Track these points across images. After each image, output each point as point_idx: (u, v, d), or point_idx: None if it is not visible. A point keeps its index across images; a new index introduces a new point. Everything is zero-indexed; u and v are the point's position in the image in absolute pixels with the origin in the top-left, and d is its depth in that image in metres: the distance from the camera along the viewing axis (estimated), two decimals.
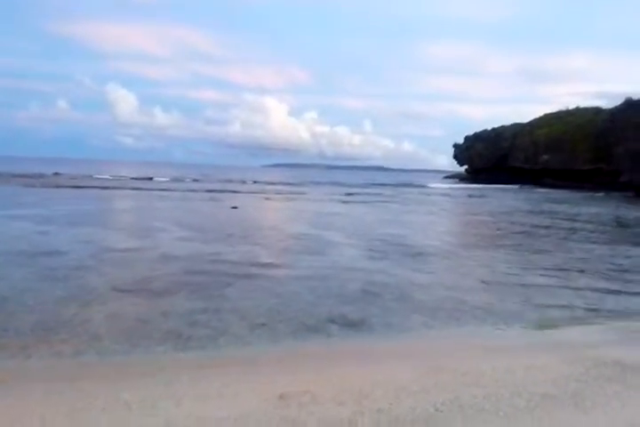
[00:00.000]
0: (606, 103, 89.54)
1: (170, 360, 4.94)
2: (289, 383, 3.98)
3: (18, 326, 5.77)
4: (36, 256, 9.89)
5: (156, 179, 51.65)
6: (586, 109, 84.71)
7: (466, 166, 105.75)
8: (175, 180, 52.81)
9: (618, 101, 72.91)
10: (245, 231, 15.03)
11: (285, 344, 5.46)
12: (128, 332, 5.67)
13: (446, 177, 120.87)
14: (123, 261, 9.84)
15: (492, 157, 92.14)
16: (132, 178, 51.99)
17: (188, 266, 9.45)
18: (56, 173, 51.17)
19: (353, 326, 6.20)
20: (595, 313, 7.32)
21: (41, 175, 47.05)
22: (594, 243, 15.28)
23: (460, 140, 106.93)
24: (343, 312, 6.70)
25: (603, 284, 9.34)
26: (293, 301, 7.21)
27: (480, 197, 43.96)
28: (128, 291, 7.48)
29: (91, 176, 50.19)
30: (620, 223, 22.74)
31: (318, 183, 61.35)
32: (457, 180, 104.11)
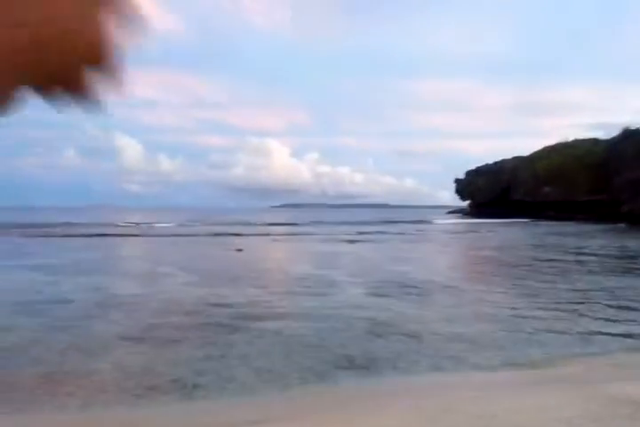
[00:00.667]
0: (603, 134, 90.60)
1: (175, 411, 4.88)
2: None
3: (24, 378, 5.73)
4: (43, 306, 9.89)
5: (161, 224, 51.93)
6: (584, 141, 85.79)
7: (468, 201, 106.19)
8: (180, 224, 53.07)
9: (615, 132, 73.99)
10: (251, 274, 15.01)
11: (293, 391, 5.38)
12: (133, 382, 5.62)
13: (449, 212, 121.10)
14: (128, 308, 9.81)
15: (494, 191, 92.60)
16: (136, 223, 52.30)
17: (193, 312, 9.42)
18: (66, 223, 51.51)
19: (360, 370, 6.12)
20: (602, 348, 7.21)
21: (46, 225, 47.43)
22: (598, 275, 15.17)
23: (461, 176, 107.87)
24: (350, 356, 6.62)
25: (609, 317, 9.23)
26: (300, 345, 7.15)
27: (483, 232, 43.93)
28: (133, 339, 7.44)
29: (98, 223, 50.54)
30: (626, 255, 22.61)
31: (322, 223, 61.49)
32: (460, 215, 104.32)
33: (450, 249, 28.05)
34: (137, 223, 52.75)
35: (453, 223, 66.37)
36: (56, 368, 6.10)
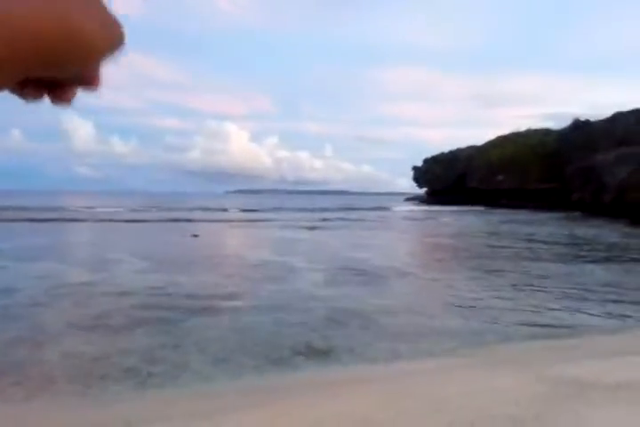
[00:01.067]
0: (555, 124, 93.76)
1: (128, 400, 4.76)
2: (249, 418, 3.89)
3: None
4: None
5: (112, 209, 50.54)
6: (536, 131, 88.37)
7: (425, 188, 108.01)
8: (133, 209, 51.75)
9: (565, 122, 76.54)
10: (206, 260, 14.81)
11: (248, 379, 5.34)
12: (83, 372, 5.45)
13: (407, 199, 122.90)
14: (78, 296, 9.51)
15: (450, 179, 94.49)
16: (87, 208, 50.77)
17: (146, 299, 9.21)
18: (6, 207, 49.42)
19: (318, 356, 6.14)
20: (552, 331, 7.48)
21: None
22: (550, 262, 15.72)
23: (419, 163, 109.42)
24: (308, 342, 6.63)
25: (557, 302, 9.59)
26: (257, 332, 7.10)
27: (440, 219, 44.82)
28: (84, 328, 7.21)
29: (47, 208, 48.73)
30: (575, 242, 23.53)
31: (280, 209, 61.30)
32: (417, 202, 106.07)
33: (408, 236, 28.50)
34: (88, 208, 51.12)
35: (411, 210, 67.44)
36: (1, 359, 5.85)
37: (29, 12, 0.32)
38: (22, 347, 6.30)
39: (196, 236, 22.89)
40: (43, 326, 7.38)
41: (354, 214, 51.08)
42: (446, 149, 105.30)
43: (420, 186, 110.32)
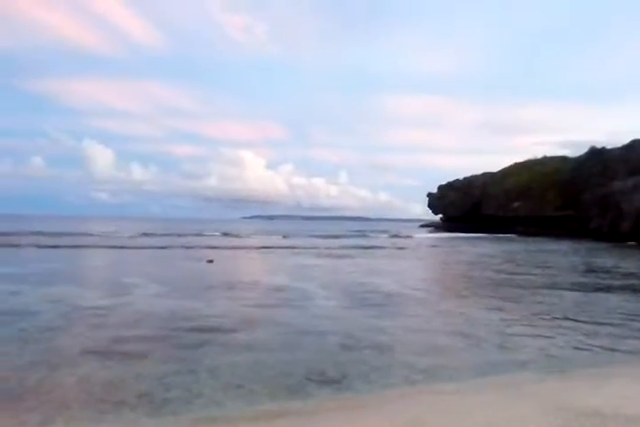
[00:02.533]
0: (571, 152, 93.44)
1: None
2: None
3: None
4: (5, 317, 9.58)
5: (130, 235, 51.05)
6: (553, 158, 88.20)
7: (440, 215, 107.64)
8: (150, 235, 52.23)
9: (582, 150, 76.34)
10: (221, 286, 14.85)
11: (261, 405, 5.30)
12: (98, 397, 5.46)
13: (422, 225, 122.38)
14: (95, 320, 9.57)
15: (465, 206, 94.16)
16: (103, 232, 51.36)
17: (161, 324, 9.24)
18: (25, 232, 50.18)
19: (332, 383, 6.08)
20: (569, 362, 7.33)
21: (11, 233, 46.13)
22: (565, 290, 15.49)
23: (434, 190, 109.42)
24: (321, 369, 6.58)
25: (572, 331, 9.41)
26: (270, 359, 7.06)
27: (456, 246, 44.50)
28: (99, 353, 7.24)
29: (65, 233, 49.42)
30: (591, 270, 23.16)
31: (296, 234, 61.41)
32: (432, 228, 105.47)
33: (425, 264, 28.27)
34: (105, 233, 51.71)
35: (426, 237, 67.05)
36: (16, 383, 5.88)
37: None
38: (37, 371, 6.34)
39: (211, 261, 22.98)
40: (58, 350, 7.42)
41: (368, 241, 50.95)
42: (460, 175, 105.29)
43: (435, 212, 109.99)
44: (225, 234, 58.57)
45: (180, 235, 52.32)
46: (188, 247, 33.92)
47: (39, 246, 30.75)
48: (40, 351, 7.27)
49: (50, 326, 8.99)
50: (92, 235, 48.08)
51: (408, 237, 64.89)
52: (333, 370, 6.55)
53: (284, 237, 55.75)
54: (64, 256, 25.51)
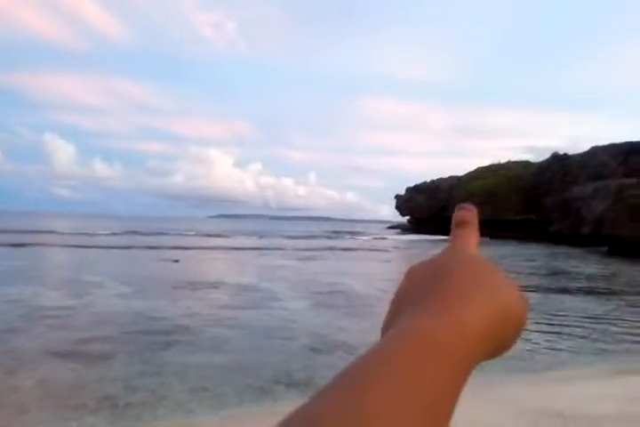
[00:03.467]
0: (535, 157, 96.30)
1: None
2: None
3: None
4: None
5: (92, 233, 49.85)
6: (516, 163, 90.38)
7: (407, 217, 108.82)
8: (113, 233, 51.11)
9: (545, 155, 78.54)
10: (186, 286, 14.63)
11: (228, 408, 5.24)
12: (58, 401, 5.29)
13: (389, 227, 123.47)
14: (56, 321, 9.29)
15: (432, 208, 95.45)
16: (66, 232, 50.03)
17: (125, 325, 9.04)
18: None
19: (299, 386, 6.05)
20: (531, 363, 7.50)
21: None
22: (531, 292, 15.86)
23: (402, 192, 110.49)
24: (289, 371, 6.55)
25: (535, 333, 9.64)
26: (237, 361, 6.99)
27: (426, 248, 45.10)
28: (61, 355, 7.03)
29: (24, 230, 47.91)
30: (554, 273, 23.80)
31: (264, 235, 61.07)
32: (400, 230, 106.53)
33: (393, 264, 28.52)
34: (67, 232, 50.34)
35: (401, 239, 67.64)
36: None
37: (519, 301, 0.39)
38: None
39: (176, 261, 22.63)
40: (17, 352, 7.18)
41: (338, 242, 51.09)
42: (429, 178, 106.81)
43: (403, 214, 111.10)
44: (191, 233, 57.77)
45: (144, 234, 51.37)
46: (152, 247, 33.30)
47: None
48: None
49: (8, 327, 8.67)
50: (53, 232, 46.75)
51: (378, 238, 65.38)
52: (301, 372, 6.53)
53: (253, 237, 55.37)
54: (23, 255, 24.70)
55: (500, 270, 0.41)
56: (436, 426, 0.29)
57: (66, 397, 5.44)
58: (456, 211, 0.49)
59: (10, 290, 12.86)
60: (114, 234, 49.29)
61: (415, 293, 0.39)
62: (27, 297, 11.82)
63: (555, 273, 22.94)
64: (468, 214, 0.49)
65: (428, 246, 46.75)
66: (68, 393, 5.54)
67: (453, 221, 0.49)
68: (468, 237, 0.47)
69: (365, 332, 9.21)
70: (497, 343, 0.38)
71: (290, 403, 5.54)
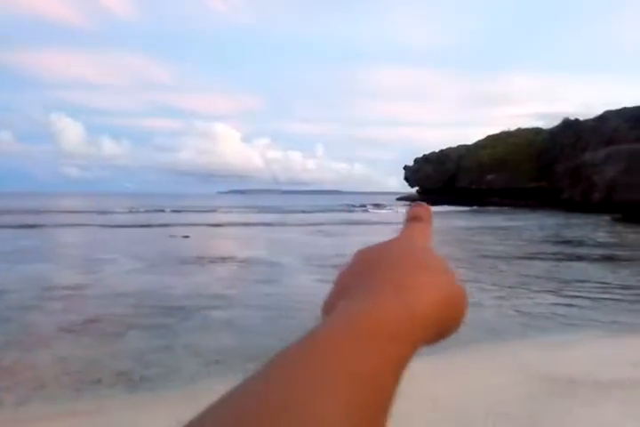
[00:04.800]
0: (546, 123, 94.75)
1: (120, 404, 4.72)
2: None
3: None
4: None
5: (102, 211, 50.22)
6: (527, 130, 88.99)
7: (416, 188, 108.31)
8: (123, 211, 51.45)
9: (556, 122, 77.24)
10: (197, 261, 14.74)
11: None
12: (75, 376, 5.40)
13: (399, 198, 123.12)
14: (70, 298, 9.44)
15: (441, 179, 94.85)
16: (75, 209, 50.43)
17: (138, 301, 9.15)
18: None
19: None
20: (544, 329, 7.52)
21: None
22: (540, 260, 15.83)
23: (411, 163, 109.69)
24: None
25: (546, 301, 9.64)
26: (250, 334, 7.08)
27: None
28: (75, 331, 7.15)
29: (35, 210, 48.35)
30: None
31: (271, 209, 61.20)
32: (409, 201, 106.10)
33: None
34: (77, 211, 50.75)
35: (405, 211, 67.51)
36: None
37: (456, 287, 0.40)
38: (12, 351, 6.24)
39: (186, 237, 22.79)
40: (33, 329, 7.31)
41: (345, 215, 51.11)
42: (438, 148, 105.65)
43: (411, 185, 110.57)
44: (201, 209, 58.01)
45: (153, 210, 51.66)
46: (163, 224, 33.50)
47: (10, 227, 30.04)
48: (14, 331, 7.15)
49: (24, 304, 8.82)
50: (64, 212, 47.15)
51: (387, 210, 65.25)
52: None
53: (263, 212, 55.53)
54: (35, 235, 24.98)
55: (446, 261, 0.42)
56: (373, 412, 0.29)
57: (82, 372, 5.54)
58: (411, 206, 0.52)
59: (24, 268, 13.05)
60: (124, 212, 49.64)
61: (361, 275, 0.39)
62: (39, 275, 11.99)
63: (568, 241, 22.84)
64: (423, 211, 0.51)
65: (437, 218, 46.57)
66: (83, 368, 5.65)
67: (408, 215, 0.51)
68: (421, 230, 0.48)
69: None
70: (438, 330, 0.38)
71: None
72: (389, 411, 0.29)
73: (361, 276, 0.39)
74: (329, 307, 0.38)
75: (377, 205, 78.51)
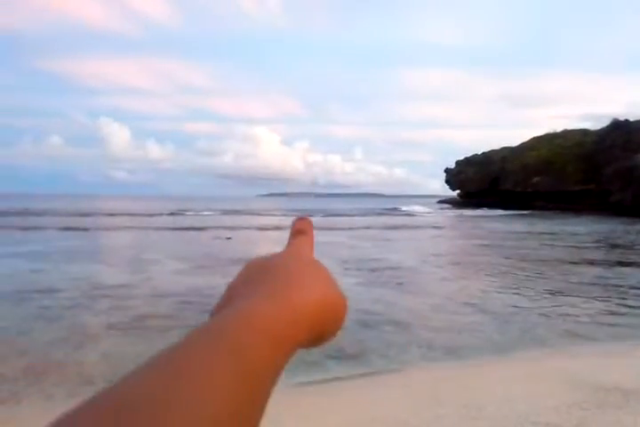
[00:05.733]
0: (592, 125, 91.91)
1: None
2: (281, 419, 3.90)
3: (8, 370, 5.65)
4: (28, 295, 9.77)
5: (148, 213, 51.60)
6: (573, 131, 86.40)
7: (458, 191, 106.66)
8: (168, 213, 52.72)
9: (603, 123, 74.73)
10: (239, 261, 14.91)
11: (283, 381, 5.35)
12: (121, 372, 5.55)
13: (440, 201, 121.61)
14: (118, 298, 9.72)
15: (484, 181, 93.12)
16: (124, 213, 51.96)
17: (182, 300, 9.35)
18: (36, 210, 50.97)
19: (351, 359, 6.11)
20: (592, 337, 7.27)
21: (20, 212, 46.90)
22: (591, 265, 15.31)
23: (451, 165, 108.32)
24: (340, 346, 6.61)
25: (598, 307, 9.31)
26: None
27: (474, 222, 44.16)
28: (122, 329, 7.37)
29: (83, 212, 50.11)
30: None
31: (310, 211, 61.44)
32: (450, 205, 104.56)
33: (449, 238, 28.15)
34: (125, 213, 52.32)
35: (454, 215, 66.60)
36: (42, 359, 6.02)
37: (337, 294, 0.44)
38: (62, 348, 6.47)
39: (229, 238, 23.15)
40: (82, 326, 7.57)
41: (385, 218, 50.81)
42: (478, 150, 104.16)
43: (453, 188, 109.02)
44: (242, 211, 58.86)
45: (197, 212, 52.71)
46: (205, 227, 34.13)
47: (60, 228, 31.23)
48: (64, 328, 7.42)
49: (72, 303, 9.15)
50: (112, 214, 48.69)
51: (425, 214, 64.51)
52: (352, 346, 6.59)
53: (301, 214, 55.77)
54: (83, 235, 25.89)
55: (327, 269, 0.46)
56: (253, 403, 0.30)
57: (127, 368, 5.68)
58: (294, 221, 0.57)
59: (73, 269, 13.53)
60: (168, 214, 50.87)
61: (249, 281, 0.43)
62: (88, 275, 12.41)
63: (617, 245, 22.01)
64: (304, 224, 0.56)
65: (481, 222, 45.78)
66: (129, 364, 5.81)
67: (291, 230, 0.55)
68: (303, 244, 0.52)
69: (415, 307, 9.17)
70: (319, 331, 0.41)
71: (339, 375, 5.61)
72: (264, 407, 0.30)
73: (250, 281, 0.43)
74: (216, 311, 0.41)
75: (407, 209, 77.07)
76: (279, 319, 0.36)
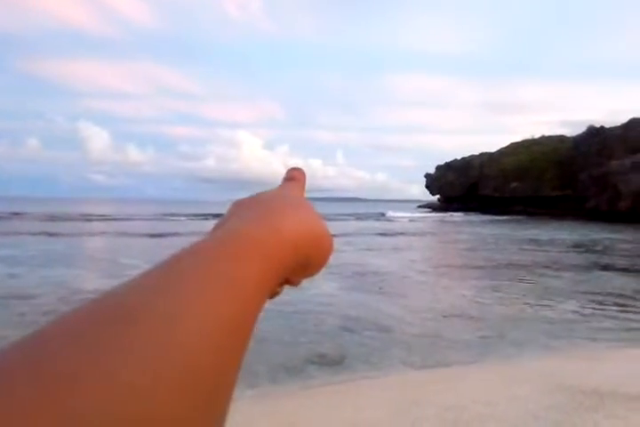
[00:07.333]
0: (571, 131, 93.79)
1: None
2: (262, 425, 3.88)
3: None
4: (4, 300, 9.57)
5: (127, 216, 51.00)
6: (551, 138, 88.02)
7: (438, 195, 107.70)
8: (149, 217, 52.15)
9: (580, 129, 76.18)
10: None
11: (262, 386, 5.33)
12: None
13: (420, 206, 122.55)
14: None
15: (463, 186, 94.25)
16: (100, 215, 51.28)
17: None
18: (16, 213, 50.02)
19: (332, 365, 6.11)
20: (569, 340, 7.39)
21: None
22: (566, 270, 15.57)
23: (432, 170, 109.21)
24: (322, 351, 6.61)
25: (577, 311, 9.47)
26: (269, 341, 7.09)
27: (456, 225, 44.59)
28: None
29: (62, 216, 49.32)
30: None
31: None
32: (430, 209, 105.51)
33: (428, 243, 28.34)
34: (104, 217, 51.62)
35: (432, 219, 67.09)
36: None
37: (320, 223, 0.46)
38: None
39: None
40: None
41: (366, 223, 51.00)
42: (458, 155, 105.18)
43: (433, 193, 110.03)
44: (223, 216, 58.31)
45: (179, 216, 52.22)
46: (182, 234, 33.81)
47: (38, 233, 30.70)
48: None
49: (48, 309, 8.98)
50: (89, 218, 47.99)
51: (406, 218, 64.90)
52: (333, 351, 6.59)
53: None
54: (60, 239, 25.46)
55: (315, 209, 0.48)
56: (242, 318, 0.30)
57: None
58: (289, 170, 0.57)
59: (50, 273, 13.30)
60: (148, 219, 50.29)
61: (239, 211, 0.44)
62: (67, 280, 12.21)
63: (595, 250, 22.43)
64: (297, 174, 0.56)
65: (462, 225, 46.22)
66: None
67: (285, 176, 0.56)
68: (293, 186, 0.53)
69: (397, 312, 9.21)
70: (303, 258, 0.42)
71: (320, 381, 5.61)
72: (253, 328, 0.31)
73: (239, 211, 0.44)
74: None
75: (388, 214, 77.15)
76: (266, 240, 0.37)
